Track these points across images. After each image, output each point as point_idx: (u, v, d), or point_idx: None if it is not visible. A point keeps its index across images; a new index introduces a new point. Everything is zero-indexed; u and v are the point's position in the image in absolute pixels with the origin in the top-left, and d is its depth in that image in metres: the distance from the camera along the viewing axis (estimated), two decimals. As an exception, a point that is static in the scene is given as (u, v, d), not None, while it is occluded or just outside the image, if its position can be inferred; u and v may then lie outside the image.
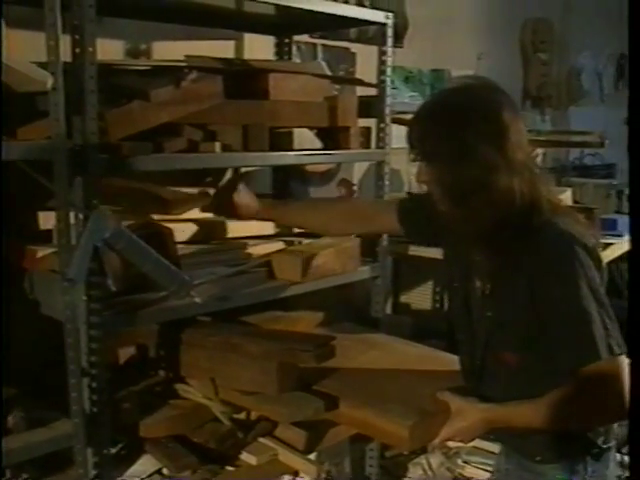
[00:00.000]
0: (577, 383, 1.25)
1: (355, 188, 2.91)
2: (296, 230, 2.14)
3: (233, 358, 1.73)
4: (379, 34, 2.15)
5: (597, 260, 1.29)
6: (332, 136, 2.04)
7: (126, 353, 1.92)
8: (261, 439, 1.79)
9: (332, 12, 1.95)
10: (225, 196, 1.83)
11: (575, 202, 3.05)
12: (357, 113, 2.10)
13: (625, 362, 1.21)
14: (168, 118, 1.65)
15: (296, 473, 1.78)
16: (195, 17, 2.05)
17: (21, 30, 1.66)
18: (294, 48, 2.48)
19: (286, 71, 1.99)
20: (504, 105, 1.29)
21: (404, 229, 1.66)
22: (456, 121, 1.26)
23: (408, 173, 2.80)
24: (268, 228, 2.07)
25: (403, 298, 3.18)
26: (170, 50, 2.09)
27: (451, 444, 2.25)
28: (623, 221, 3.05)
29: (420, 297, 3.22)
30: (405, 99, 3.11)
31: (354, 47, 2.85)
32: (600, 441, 1.37)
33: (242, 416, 1.81)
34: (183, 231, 1.87)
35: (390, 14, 2.13)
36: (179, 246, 1.76)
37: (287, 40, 2.44)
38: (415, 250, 2.56)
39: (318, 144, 2.01)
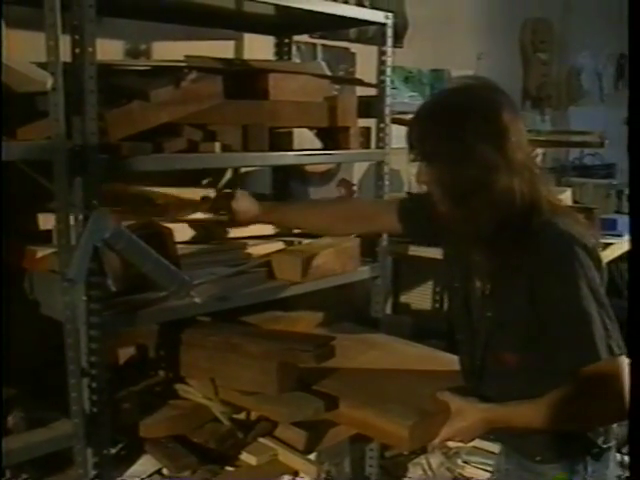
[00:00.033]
0: (577, 383, 1.25)
1: (355, 188, 2.91)
2: (296, 230, 2.14)
3: (233, 358, 1.73)
4: (379, 34, 2.15)
5: (597, 260, 1.29)
6: (332, 136, 2.04)
7: (126, 353, 1.92)
8: (261, 439, 1.79)
9: (332, 12, 1.95)
10: (223, 203, 1.85)
11: (575, 202, 3.05)
12: (357, 113, 2.10)
13: (625, 362, 1.21)
14: (168, 118, 1.65)
15: (296, 473, 1.78)
16: (195, 17, 2.05)
17: (21, 30, 1.66)
18: (294, 48, 2.49)
19: (286, 71, 1.99)
20: (504, 105, 1.29)
21: (404, 229, 1.66)
22: (456, 121, 1.26)
23: (408, 173, 2.80)
24: (268, 228, 2.07)
25: (403, 298, 3.18)
26: (170, 50, 2.09)
27: (451, 444, 2.25)
28: (623, 221, 3.05)
29: (420, 297, 3.22)
30: (405, 99, 3.11)
31: (354, 47, 2.85)
32: (600, 441, 1.37)
33: (242, 416, 1.81)
34: (183, 233, 1.88)
35: (390, 14, 2.13)
36: (179, 246, 1.76)
37: (287, 40, 2.44)
38: (415, 250, 2.56)
39: (318, 144, 2.01)
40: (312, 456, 1.78)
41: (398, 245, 2.49)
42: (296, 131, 1.91)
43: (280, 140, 1.88)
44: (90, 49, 1.45)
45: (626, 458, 1.93)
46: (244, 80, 1.90)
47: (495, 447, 1.80)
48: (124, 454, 1.73)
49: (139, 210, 1.80)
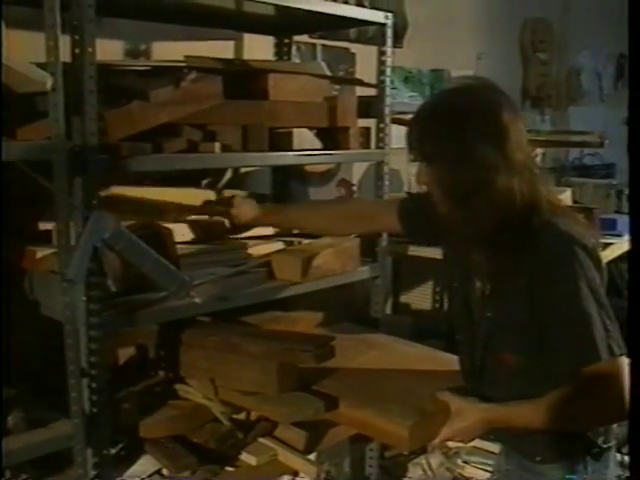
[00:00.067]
0: (577, 384, 1.25)
1: (355, 188, 2.91)
2: (295, 231, 2.14)
3: (233, 358, 1.73)
4: (379, 34, 2.15)
5: (597, 261, 1.29)
6: (332, 136, 2.04)
7: (126, 353, 1.92)
8: (261, 439, 1.79)
9: (332, 12, 1.95)
10: (223, 210, 1.86)
11: (575, 202, 3.05)
12: (357, 113, 2.10)
13: (625, 363, 1.21)
14: (167, 118, 1.65)
15: (296, 473, 1.78)
16: (195, 17, 2.06)
17: (21, 30, 1.66)
18: (294, 48, 2.49)
19: (286, 71, 1.99)
20: (504, 105, 1.29)
21: (404, 229, 1.66)
22: (456, 122, 1.26)
23: (408, 173, 2.80)
24: (267, 229, 2.07)
25: (403, 298, 3.18)
26: (169, 50, 2.09)
27: (451, 444, 2.25)
28: (623, 221, 3.05)
29: (420, 297, 3.22)
30: (405, 99, 3.11)
31: (354, 47, 2.85)
32: (600, 441, 1.37)
33: (242, 416, 1.81)
34: (183, 235, 1.88)
35: (389, 14, 2.13)
36: (179, 246, 1.76)
37: (287, 40, 2.44)
38: (415, 250, 2.56)
39: (318, 144, 2.01)
40: (312, 456, 1.78)
41: (398, 245, 2.49)
42: (296, 131, 1.91)
43: (280, 140, 1.88)
44: (90, 49, 1.45)
45: (626, 458, 1.92)
46: (244, 80, 1.90)
47: (495, 447, 1.80)
48: (124, 454, 1.73)
49: (139, 212, 1.80)
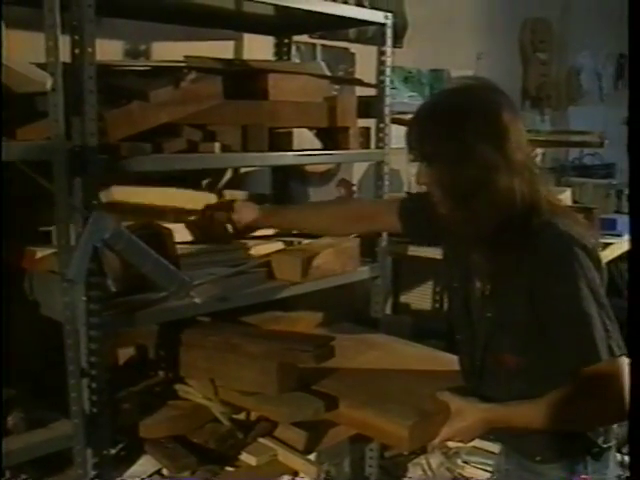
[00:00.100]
0: (577, 384, 1.25)
1: (354, 188, 2.91)
2: (295, 231, 2.14)
3: (233, 358, 1.72)
4: (378, 34, 2.15)
5: (597, 261, 1.29)
6: (331, 136, 2.04)
7: (126, 354, 1.92)
8: (261, 439, 1.79)
9: (331, 12, 1.95)
10: (224, 216, 1.87)
11: (574, 202, 3.05)
12: (356, 113, 2.10)
13: (625, 363, 1.21)
14: (167, 119, 1.65)
15: (296, 473, 1.78)
16: (194, 18, 2.06)
17: (20, 31, 1.66)
18: (293, 48, 2.49)
19: (285, 71, 1.99)
20: (503, 106, 1.29)
21: (405, 229, 1.66)
22: (455, 122, 1.26)
23: (408, 173, 2.80)
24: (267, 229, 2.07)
25: (403, 298, 3.18)
26: (169, 51, 2.09)
27: (451, 444, 2.25)
28: (622, 221, 3.05)
29: (420, 297, 3.22)
30: (404, 99, 3.11)
31: (353, 47, 2.85)
32: (600, 441, 1.37)
33: (242, 416, 1.81)
34: (183, 233, 1.88)
35: (389, 14, 2.13)
36: (179, 246, 1.76)
37: (286, 40, 2.44)
38: (415, 250, 2.56)
39: (317, 144, 2.01)
40: (312, 456, 1.78)
41: (398, 245, 2.48)
42: (296, 131, 1.91)
43: (280, 140, 1.88)
44: (89, 49, 1.45)
45: (626, 458, 1.92)
46: (244, 80, 1.90)
47: (495, 447, 1.80)
48: (124, 454, 1.73)
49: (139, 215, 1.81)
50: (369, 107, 2.15)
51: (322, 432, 1.74)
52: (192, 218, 1.94)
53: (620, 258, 2.94)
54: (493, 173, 1.25)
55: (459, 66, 3.30)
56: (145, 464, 1.73)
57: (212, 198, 2.02)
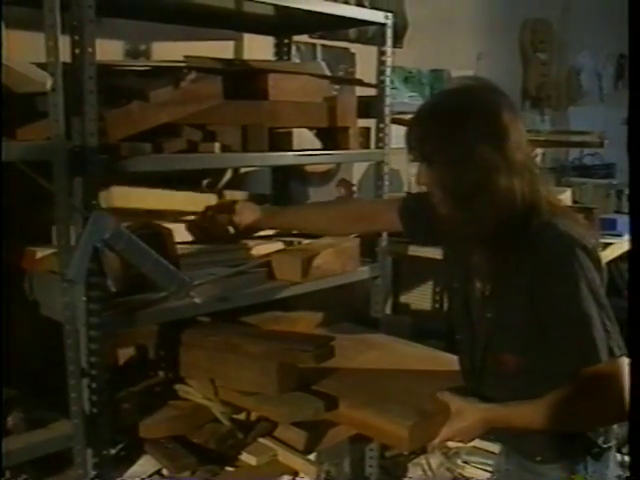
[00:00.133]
0: (577, 384, 1.25)
1: (354, 188, 2.91)
2: (296, 231, 2.14)
3: (233, 358, 1.72)
4: (378, 34, 2.15)
5: (597, 261, 1.29)
6: (331, 136, 2.04)
7: (126, 354, 1.92)
8: (261, 439, 1.79)
9: (331, 12, 1.95)
10: (225, 218, 1.87)
11: (575, 202, 3.05)
12: (356, 113, 2.10)
13: (625, 364, 1.21)
14: (167, 119, 1.65)
15: (296, 473, 1.78)
16: (194, 18, 2.05)
17: (21, 31, 1.66)
18: (293, 48, 2.48)
19: (285, 71, 1.99)
20: (503, 106, 1.29)
21: (405, 228, 1.66)
22: (455, 122, 1.26)
23: (408, 173, 2.80)
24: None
25: (403, 298, 3.18)
26: (169, 51, 2.09)
27: (451, 444, 2.25)
28: (623, 221, 3.05)
29: (420, 297, 3.22)
30: (404, 99, 3.11)
31: (353, 47, 2.85)
32: (600, 441, 1.37)
33: (242, 416, 1.81)
34: (183, 233, 1.88)
35: (389, 14, 2.13)
36: (179, 246, 1.76)
37: (286, 40, 2.44)
38: (415, 250, 2.56)
39: (317, 144, 2.01)
40: (312, 456, 1.78)
41: (398, 245, 2.48)
42: (296, 131, 1.91)
43: (280, 140, 1.88)
44: (90, 49, 1.45)
45: (626, 458, 1.92)
46: (244, 80, 1.90)
47: (495, 447, 1.80)
48: (124, 454, 1.73)
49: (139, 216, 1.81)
50: (369, 107, 2.15)
51: (322, 432, 1.74)
52: (192, 218, 1.94)
53: (620, 258, 2.94)
54: (493, 173, 1.25)
55: (459, 66, 3.30)
56: (145, 464, 1.73)
57: (212, 199, 2.02)
